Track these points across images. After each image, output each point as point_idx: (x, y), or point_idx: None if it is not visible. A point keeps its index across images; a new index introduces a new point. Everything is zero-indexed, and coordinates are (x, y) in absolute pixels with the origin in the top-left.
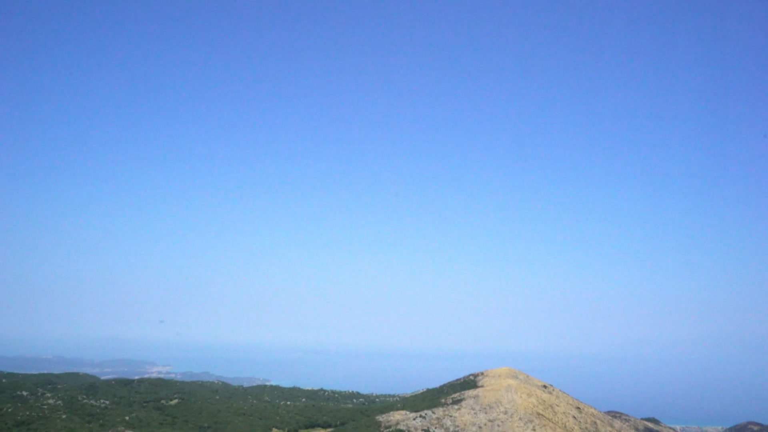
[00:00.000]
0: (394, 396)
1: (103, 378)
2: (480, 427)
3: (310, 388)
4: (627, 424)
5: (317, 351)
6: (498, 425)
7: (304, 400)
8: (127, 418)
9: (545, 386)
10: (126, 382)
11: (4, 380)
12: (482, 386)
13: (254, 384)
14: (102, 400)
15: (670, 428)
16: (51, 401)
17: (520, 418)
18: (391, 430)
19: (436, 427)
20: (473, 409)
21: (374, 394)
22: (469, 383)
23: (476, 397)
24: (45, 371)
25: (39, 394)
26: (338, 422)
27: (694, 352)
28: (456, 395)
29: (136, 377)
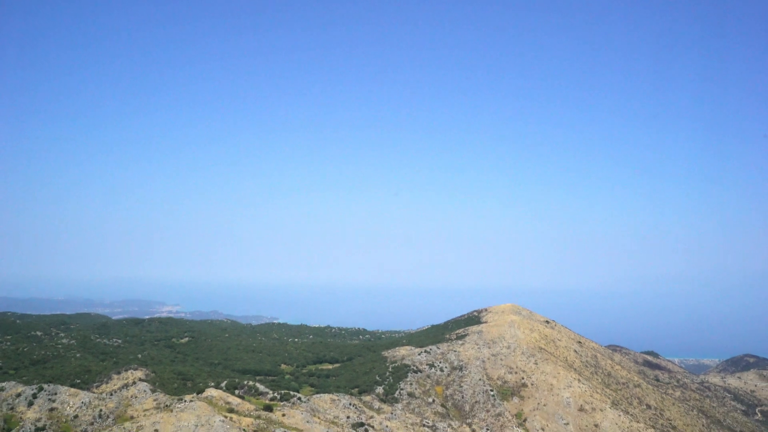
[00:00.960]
0: (399, 332)
1: (114, 318)
2: (483, 362)
3: (317, 326)
4: (627, 357)
5: (324, 289)
6: (501, 359)
7: (311, 336)
8: (139, 356)
9: (547, 321)
10: (137, 322)
11: (18, 321)
12: (486, 322)
13: (262, 322)
14: (114, 339)
15: (669, 361)
16: (65, 341)
17: (522, 353)
18: (396, 365)
19: (440, 362)
20: (477, 344)
21: (380, 331)
22: (473, 319)
23: (480, 332)
24: (57, 312)
25: (53, 334)
26: (345, 358)
27: (693, 288)
28: (460, 331)
29: (147, 317)
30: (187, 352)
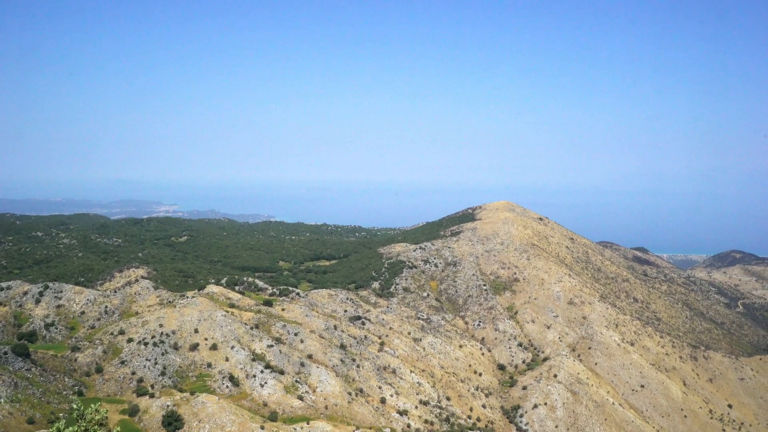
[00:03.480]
0: (394, 229)
1: (112, 218)
2: (477, 258)
3: (313, 223)
4: (617, 253)
5: (320, 188)
6: (494, 255)
7: (308, 234)
8: (140, 254)
9: (541, 218)
10: (135, 222)
11: (18, 222)
12: (480, 219)
13: (259, 221)
14: (114, 239)
15: (658, 257)
16: (66, 241)
17: (515, 249)
18: (392, 261)
19: (435, 258)
20: (471, 240)
21: (375, 228)
22: (468, 216)
23: (474, 229)
24: (55, 213)
25: (53, 234)
26: (341, 254)
27: (686, 186)
28: (454, 228)
29: (145, 217)
30: (187, 250)
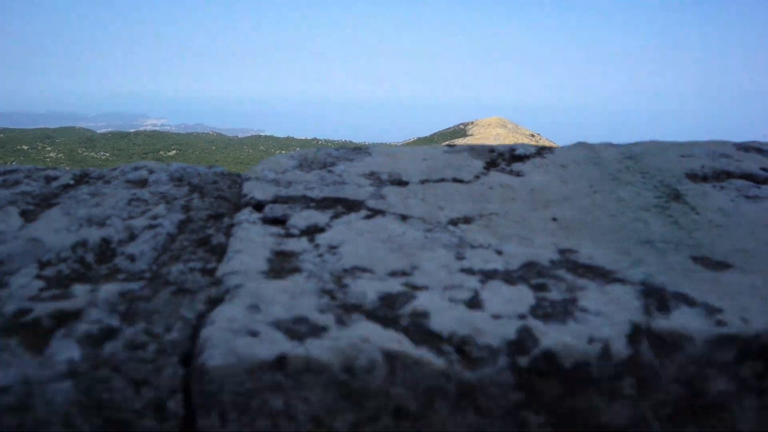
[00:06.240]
0: (385, 144)
1: (99, 132)
2: None
3: (303, 138)
4: None
5: (310, 101)
6: None
7: (298, 149)
8: None
9: (533, 135)
10: (123, 135)
11: (2, 135)
12: (471, 135)
13: (249, 135)
14: (102, 153)
15: None
16: (52, 155)
17: None
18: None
19: None
20: None
21: (366, 143)
22: (459, 132)
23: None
24: (40, 126)
25: (39, 148)
26: None
27: (681, 105)
28: (445, 144)
29: (132, 130)
30: None
